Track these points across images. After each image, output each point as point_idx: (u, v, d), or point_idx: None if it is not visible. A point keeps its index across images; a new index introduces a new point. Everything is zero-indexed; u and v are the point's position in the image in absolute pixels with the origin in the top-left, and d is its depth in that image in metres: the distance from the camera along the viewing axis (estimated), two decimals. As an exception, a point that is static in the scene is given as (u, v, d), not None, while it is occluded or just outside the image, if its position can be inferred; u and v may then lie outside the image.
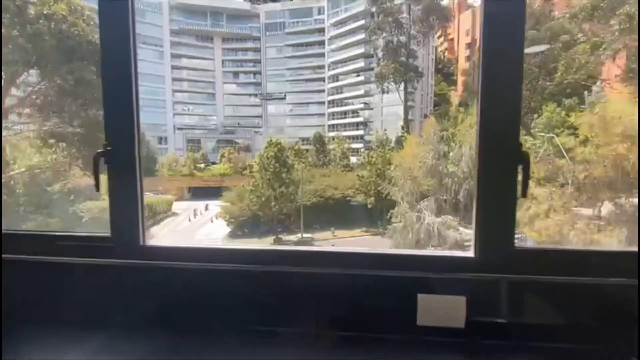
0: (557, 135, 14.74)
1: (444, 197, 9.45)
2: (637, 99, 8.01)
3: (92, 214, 13.36)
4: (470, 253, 0.91)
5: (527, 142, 17.60)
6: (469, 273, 0.89)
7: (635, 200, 7.99)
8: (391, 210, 8.59)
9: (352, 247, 1.07)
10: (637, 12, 8.78)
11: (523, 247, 0.90)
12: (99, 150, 0.96)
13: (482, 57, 0.84)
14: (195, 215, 19.94)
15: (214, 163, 33.67)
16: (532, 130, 20.06)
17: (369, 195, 16.65)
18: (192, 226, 17.95)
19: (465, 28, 35.06)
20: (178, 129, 38.52)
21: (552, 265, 0.87)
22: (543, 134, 17.34)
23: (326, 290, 0.93)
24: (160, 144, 37.10)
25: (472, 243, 0.90)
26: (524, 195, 0.83)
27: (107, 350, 0.85)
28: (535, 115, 20.44)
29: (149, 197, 20.04)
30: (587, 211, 8.77)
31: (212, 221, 18.37)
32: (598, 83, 18.69)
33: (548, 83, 21.80)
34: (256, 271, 0.96)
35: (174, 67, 37.76)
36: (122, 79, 0.96)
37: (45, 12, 10.28)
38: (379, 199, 16.44)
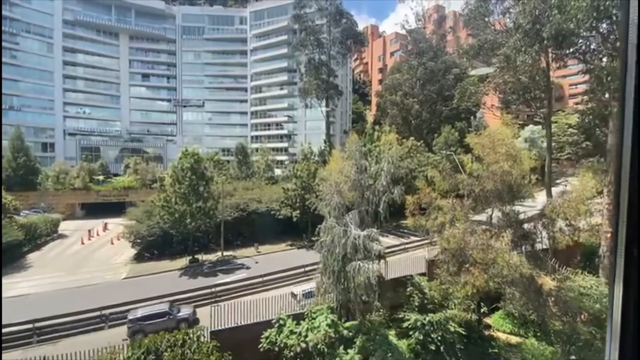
0: (455, 153, 16.83)
1: (366, 209, 9.71)
2: (516, 125, 9.52)
3: None
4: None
5: (429, 158, 19.73)
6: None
7: (516, 207, 9.42)
8: (319, 226, 8.43)
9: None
10: (513, 54, 10.66)
11: None
12: None
13: None
14: (90, 236, 17.03)
15: (116, 175, 28.97)
16: (433, 148, 22.61)
17: (294, 209, 16.28)
18: (86, 250, 14.63)
19: (378, 54, 38.59)
20: (69, 134, 32.32)
21: None
22: (443, 151, 19.67)
23: None
24: (46, 151, 30.50)
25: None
26: None
27: None
28: (436, 135, 23.17)
29: (28, 216, 16.08)
30: (481, 218, 10.02)
31: (112, 243, 15.85)
32: (480, 110, 22.17)
33: (444, 108, 25.07)
34: None
35: (66, 63, 31.84)
36: None
37: None
38: (305, 212, 16.23)
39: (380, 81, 36.00)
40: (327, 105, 25.99)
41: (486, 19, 12.95)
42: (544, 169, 13.69)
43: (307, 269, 10.86)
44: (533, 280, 8.01)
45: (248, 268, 12.25)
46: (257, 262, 12.87)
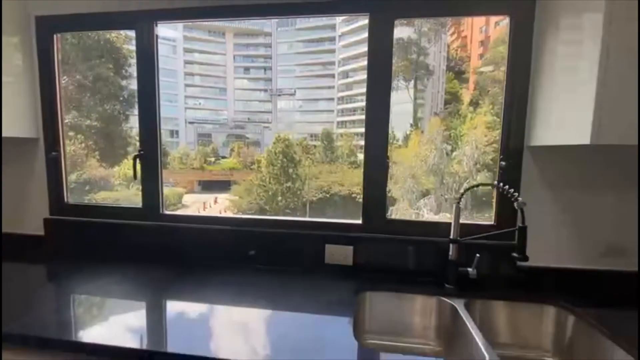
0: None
1: (445, 196, 9.84)
2: None
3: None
4: (359, 221, 1.50)
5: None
6: (357, 233, 1.48)
7: None
8: (391, 207, 9.10)
9: (289, 217, 1.68)
10: None
11: (392, 218, 1.49)
12: (136, 153, 1.59)
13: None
14: (204, 207, 21.63)
15: (223, 157, 34.82)
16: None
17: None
18: (201, 218, 19.04)
19: (479, 25, 34.97)
20: (189, 122, 39.86)
21: (409, 229, 1.46)
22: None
23: (273, 242, 1.54)
24: (172, 137, 38.49)
25: (361, 215, 1.49)
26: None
27: (138, 274, 1.47)
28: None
29: (160, 189, 21.11)
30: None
31: (220, 214, 19.65)
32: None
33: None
34: (234, 230, 1.58)
35: (186, 62, 38.96)
36: (151, 112, 1.58)
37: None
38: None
39: (481, 56, 32.77)
40: (415, 87, 25.45)
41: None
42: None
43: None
44: None
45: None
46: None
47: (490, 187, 1.31)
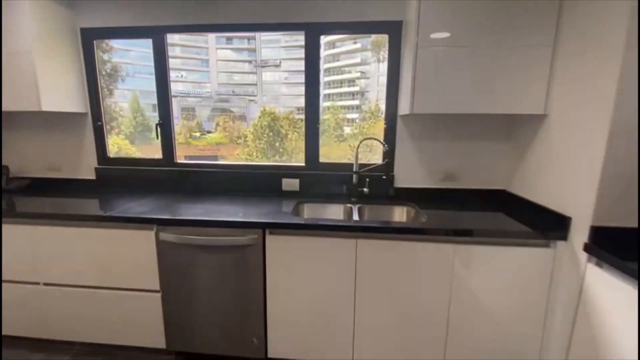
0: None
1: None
2: None
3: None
4: (303, 163, 2.48)
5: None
6: (302, 171, 2.46)
7: None
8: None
9: (264, 162, 2.62)
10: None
11: (322, 161, 2.46)
12: (157, 123, 2.50)
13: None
14: None
15: (209, 132, 35.29)
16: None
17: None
18: (190, 192, 20.15)
19: (467, -8, 34.94)
20: (172, 96, 39.70)
21: (332, 167, 2.43)
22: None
23: (248, 178, 2.50)
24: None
25: (304, 159, 2.46)
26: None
27: (160, 197, 2.40)
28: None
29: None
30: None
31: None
32: None
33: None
34: (222, 171, 2.53)
35: (165, 31, 38.24)
36: (164, 94, 2.48)
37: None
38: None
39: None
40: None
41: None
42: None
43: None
44: None
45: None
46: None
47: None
